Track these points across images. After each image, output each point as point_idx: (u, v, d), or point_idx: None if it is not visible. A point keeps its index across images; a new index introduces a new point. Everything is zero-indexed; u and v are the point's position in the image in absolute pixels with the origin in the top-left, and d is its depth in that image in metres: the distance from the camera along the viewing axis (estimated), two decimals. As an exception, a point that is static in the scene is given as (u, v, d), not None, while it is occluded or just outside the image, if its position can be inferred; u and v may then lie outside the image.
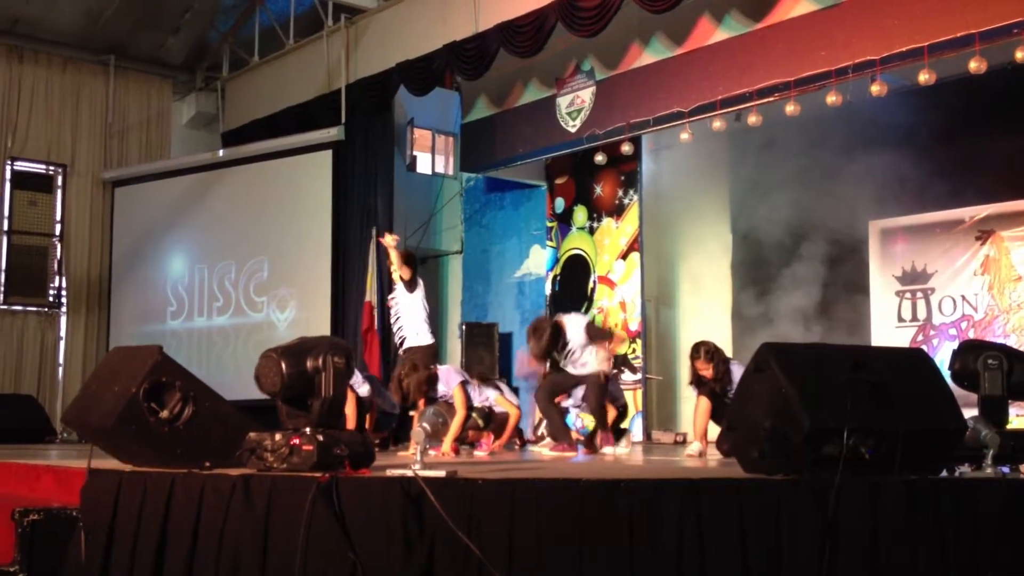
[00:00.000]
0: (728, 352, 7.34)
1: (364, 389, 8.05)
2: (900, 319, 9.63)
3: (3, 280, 12.74)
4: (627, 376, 10.58)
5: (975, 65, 7.44)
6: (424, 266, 12.29)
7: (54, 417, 11.47)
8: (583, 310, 10.98)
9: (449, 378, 7.47)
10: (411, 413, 8.58)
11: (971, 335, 9.00)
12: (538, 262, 12.22)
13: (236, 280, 12.59)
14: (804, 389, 3.80)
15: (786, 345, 4.37)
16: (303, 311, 12.00)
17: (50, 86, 13.14)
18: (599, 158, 10.75)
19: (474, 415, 7.58)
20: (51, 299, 13.03)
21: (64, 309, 13.09)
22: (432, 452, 6.72)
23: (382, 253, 10.95)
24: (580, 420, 7.34)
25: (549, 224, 11.99)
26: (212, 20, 13.80)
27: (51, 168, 13.25)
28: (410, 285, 8.43)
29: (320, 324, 11.48)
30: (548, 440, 7.91)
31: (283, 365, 4.07)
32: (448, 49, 10.59)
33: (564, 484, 3.63)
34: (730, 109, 9.13)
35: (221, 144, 13.81)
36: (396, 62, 11.27)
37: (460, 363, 11.26)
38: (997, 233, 9.07)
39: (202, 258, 12.91)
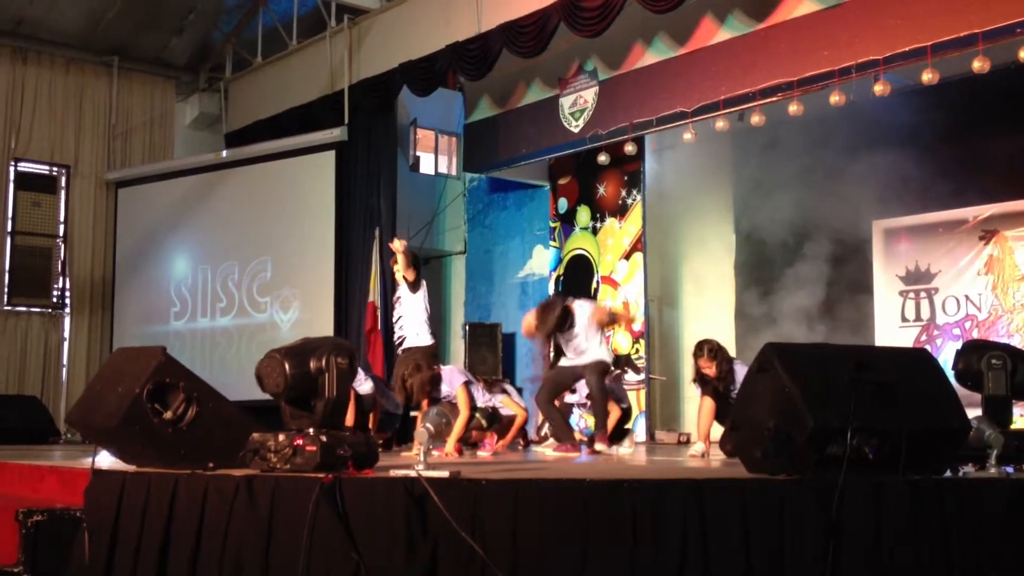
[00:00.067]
0: (731, 352, 7.32)
1: (365, 387, 8.06)
2: (904, 319, 9.62)
3: (7, 281, 12.75)
4: (631, 376, 10.57)
5: (978, 65, 7.43)
6: (427, 266, 12.32)
7: (58, 418, 11.49)
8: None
9: (452, 378, 7.47)
10: (413, 414, 8.59)
11: (975, 335, 8.99)
12: (541, 262, 12.22)
13: (239, 281, 12.60)
14: (808, 389, 3.80)
15: (790, 345, 4.37)
16: (306, 312, 12.01)
17: (53, 87, 13.16)
18: (602, 158, 10.76)
19: (477, 415, 7.58)
20: (55, 300, 13.05)
21: (68, 310, 13.11)
22: (435, 452, 6.73)
23: (385, 253, 10.97)
24: (584, 420, 7.34)
25: (552, 224, 11.99)
26: (215, 21, 13.81)
27: (55, 169, 13.26)
28: (413, 286, 8.44)
29: (323, 325, 11.49)
30: (551, 440, 7.91)
31: (287, 366, 4.08)
32: (451, 49, 10.59)
33: (568, 484, 3.63)
34: (733, 109, 9.12)
35: (224, 145, 13.81)
36: (399, 62, 11.27)
37: (463, 363, 11.26)
38: (1001, 233, 9.05)
39: (205, 259, 12.92)
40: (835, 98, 8.32)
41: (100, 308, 13.27)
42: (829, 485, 3.61)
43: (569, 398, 8.25)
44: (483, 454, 7.36)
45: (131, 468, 4.47)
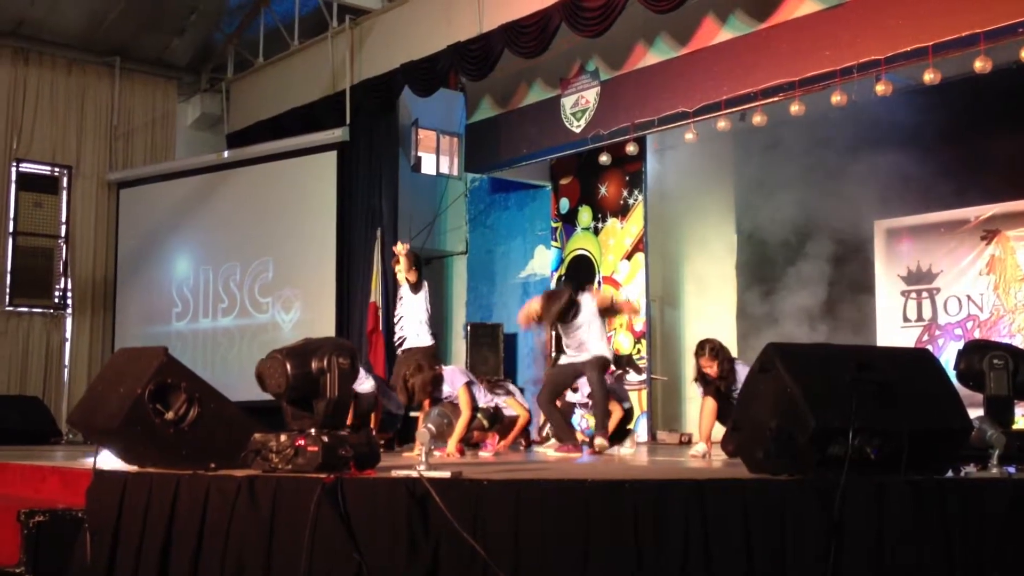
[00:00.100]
0: (733, 352, 7.32)
1: (366, 386, 8.05)
2: (905, 319, 9.62)
3: (9, 282, 12.75)
4: (632, 377, 10.57)
5: (980, 64, 7.43)
6: (429, 267, 12.32)
7: (60, 418, 11.49)
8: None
9: (454, 379, 7.47)
10: (414, 414, 8.59)
11: (976, 335, 8.98)
12: (543, 262, 12.21)
13: (241, 281, 12.60)
14: (809, 389, 3.80)
15: (791, 345, 4.37)
16: (308, 312, 12.01)
17: (55, 88, 13.17)
18: (604, 158, 10.75)
19: (479, 416, 7.58)
20: (56, 300, 13.05)
21: (69, 311, 13.11)
22: (437, 453, 6.73)
23: (387, 254, 10.97)
24: (586, 420, 7.34)
25: (554, 224, 11.99)
26: (217, 22, 13.81)
27: (56, 170, 13.27)
28: (415, 287, 8.44)
29: (325, 325, 11.49)
30: (553, 441, 7.91)
31: (288, 366, 4.08)
32: (452, 50, 10.59)
33: (569, 485, 3.63)
34: (735, 109, 9.12)
35: (226, 145, 13.82)
36: (400, 63, 11.28)
37: (465, 364, 11.26)
38: (1002, 233, 9.05)
39: (207, 259, 12.93)
40: (837, 98, 8.31)
41: (102, 309, 13.27)
42: (831, 485, 3.60)
43: (571, 397, 8.25)
44: (485, 454, 7.36)
45: (133, 468, 4.48)
